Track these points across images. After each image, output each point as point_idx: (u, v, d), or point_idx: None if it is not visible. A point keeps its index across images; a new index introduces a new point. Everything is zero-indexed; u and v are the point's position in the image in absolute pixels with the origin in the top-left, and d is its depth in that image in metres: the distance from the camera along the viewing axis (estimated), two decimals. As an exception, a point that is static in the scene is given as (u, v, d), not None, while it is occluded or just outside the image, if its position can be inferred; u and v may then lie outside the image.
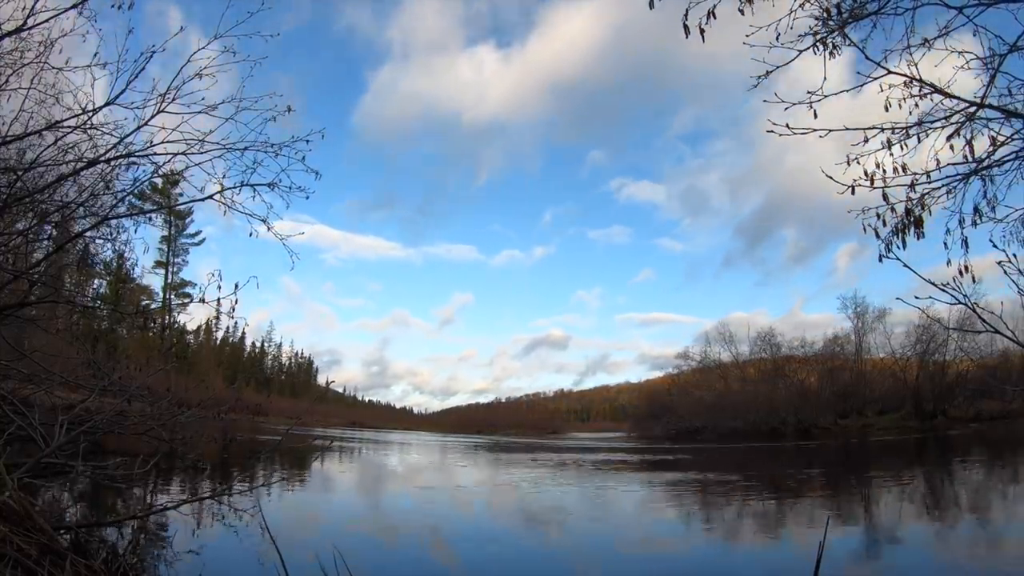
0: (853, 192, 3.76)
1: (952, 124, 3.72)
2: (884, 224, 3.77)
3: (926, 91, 3.68)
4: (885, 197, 3.77)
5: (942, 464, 16.30)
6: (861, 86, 3.75)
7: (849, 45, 3.72)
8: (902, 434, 30.23)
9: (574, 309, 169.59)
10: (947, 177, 3.76)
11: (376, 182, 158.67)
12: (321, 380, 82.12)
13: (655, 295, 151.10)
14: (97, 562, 3.48)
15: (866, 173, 3.76)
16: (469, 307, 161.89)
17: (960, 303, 3.16)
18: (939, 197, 3.80)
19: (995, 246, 3.58)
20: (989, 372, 35.41)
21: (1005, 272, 3.17)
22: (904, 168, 3.75)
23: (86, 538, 3.93)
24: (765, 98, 3.75)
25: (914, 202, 3.76)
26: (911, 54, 3.68)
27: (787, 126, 3.74)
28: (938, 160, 3.74)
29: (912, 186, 3.74)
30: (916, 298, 3.10)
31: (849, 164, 3.82)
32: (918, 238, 3.73)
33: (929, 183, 3.76)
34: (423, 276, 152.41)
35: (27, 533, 3.13)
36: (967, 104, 3.67)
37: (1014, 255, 3.14)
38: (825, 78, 3.73)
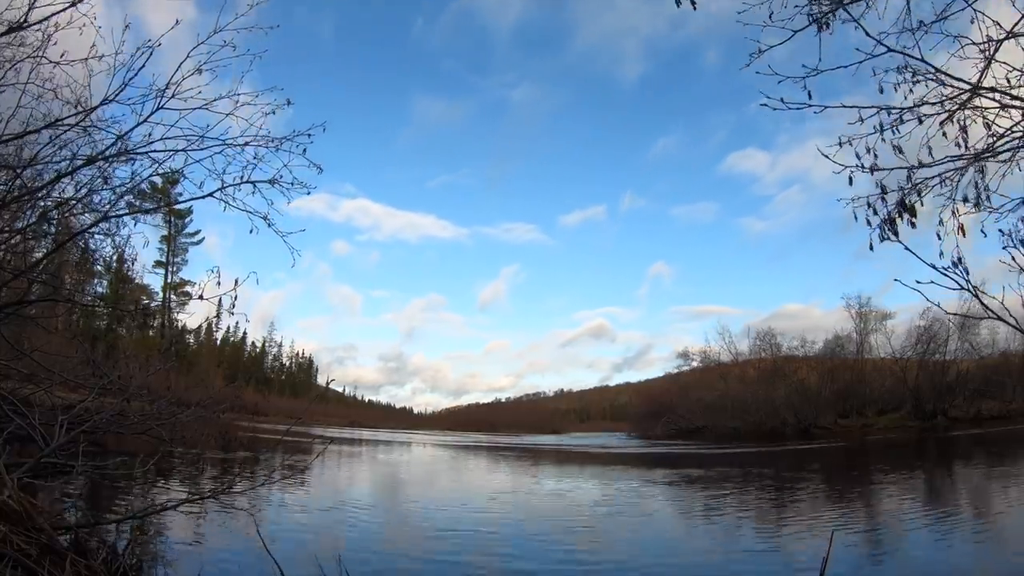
0: (851, 183, 3.71)
1: (946, 111, 3.67)
2: (875, 213, 3.71)
3: (920, 76, 3.61)
4: (882, 188, 3.71)
5: (942, 464, 16.28)
6: (859, 63, 3.68)
7: (846, 22, 3.64)
8: (902, 434, 30.18)
9: (632, 295, 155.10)
10: (941, 165, 3.69)
11: (445, 106, 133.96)
12: (329, 377, 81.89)
13: (724, 278, 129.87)
14: (97, 562, 3.46)
15: (857, 156, 3.70)
16: (515, 290, 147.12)
17: (962, 288, 3.14)
18: (933, 186, 3.75)
19: (985, 235, 3.56)
20: (989, 372, 35.37)
21: (1000, 261, 3.15)
22: (899, 149, 3.69)
23: (86, 538, 3.90)
24: (758, 70, 3.66)
25: (907, 191, 3.70)
26: (913, 35, 3.62)
27: (781, 100, 3.68)
28: (930, 148, 3.69)
29: (909, 175, 3.68)
30: (917, 282, 3.06)
31: (840, 146, 3.74)
32: (912, 226, 3.66)
33: (923, 169, 3.70)
34: (472, 258, 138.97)
35: (27, 533, 3.11)
36: (962, 89, 3.61)
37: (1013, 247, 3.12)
38: (820, 58, 3.67)
